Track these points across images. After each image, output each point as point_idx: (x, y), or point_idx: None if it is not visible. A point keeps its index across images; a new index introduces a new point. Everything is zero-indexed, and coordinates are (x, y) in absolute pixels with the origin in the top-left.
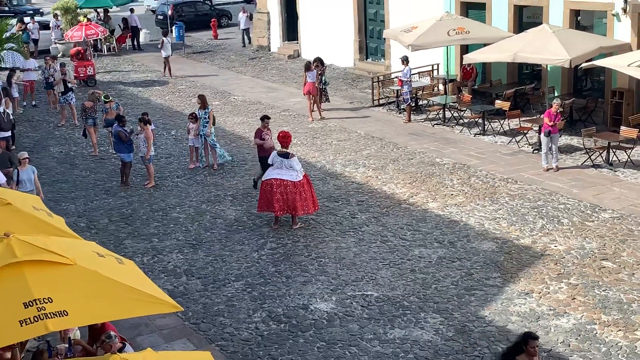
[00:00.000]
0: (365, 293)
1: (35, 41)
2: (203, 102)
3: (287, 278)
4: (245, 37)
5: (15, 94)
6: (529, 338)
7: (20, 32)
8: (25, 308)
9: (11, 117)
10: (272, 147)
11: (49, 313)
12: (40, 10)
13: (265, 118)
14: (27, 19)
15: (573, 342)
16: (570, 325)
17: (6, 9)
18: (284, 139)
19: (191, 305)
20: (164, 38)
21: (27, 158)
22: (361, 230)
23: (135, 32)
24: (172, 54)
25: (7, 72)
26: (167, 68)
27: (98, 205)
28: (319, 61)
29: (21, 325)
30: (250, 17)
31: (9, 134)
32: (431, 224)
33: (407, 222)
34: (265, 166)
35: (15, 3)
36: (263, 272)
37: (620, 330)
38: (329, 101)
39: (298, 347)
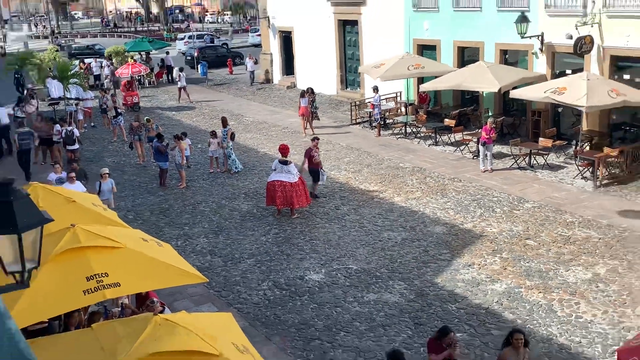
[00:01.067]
0: (347, 266)
1: (97, 76)
2: (223, 122)
3: (287, 256)
4: (251, 77)
5: (80, 117)
6: (514, 332)
7: (82, 70)
8: (87, 281)
9: (77, 134)
10: (319, 162)
11: (106, 284)
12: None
13: (315, 139)
14: (89, 59)
15: (505, 301)
16: (502, 289)
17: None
18: (284, 150)
19: (214, 277)
20: (180, 72)
21: (107, 173)
22: (343, 219)
23: (169, 69)
24: (186, 84)
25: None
26: (182, 94)
27: (142, 202)
28: (310, 90)
29: (84, 294)
30: (255, 62)
31: (75, 147)
32: (396, 213)
33: (378, 212)
34: (315, 177)
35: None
36: (269, 251)
37: (540, 292)
38: (319, 119)
39: (296, 308)
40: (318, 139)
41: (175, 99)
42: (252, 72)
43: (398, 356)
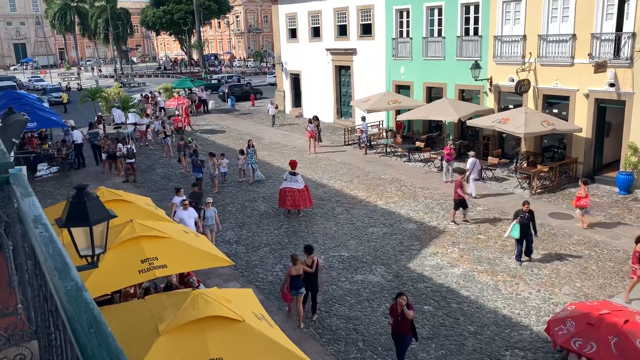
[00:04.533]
0: (340, 254)
1: (162, 109)
2: (250, 143)
3: (295, 245)
4: (273, 120)
5: (137, 137)
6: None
7: (141, 102)
8: (142, 263)
9: (134, 150)
10: (466, 193)
11: (156, 266)
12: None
13: (461, 174)
14: (154, 92)
15: (462, 282)
16: (459, 272)
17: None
18: (293, 164)
19: (238, 261)
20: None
21: (211, 202)
22: (338, 217)
23: (205, 102)
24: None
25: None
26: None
27: None
28: (315, 118)
29: (139, 273)
30: (276, 107)
31: (133, 160)
32: (379, 213)
33: (364, 213)
34: (464, 205)
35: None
36: (281, 242)
37: (488, 275)
38: (321, 141)
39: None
40: (462, 175)
41: (210, 124)
42: (273, 117)
43: (309, 248)
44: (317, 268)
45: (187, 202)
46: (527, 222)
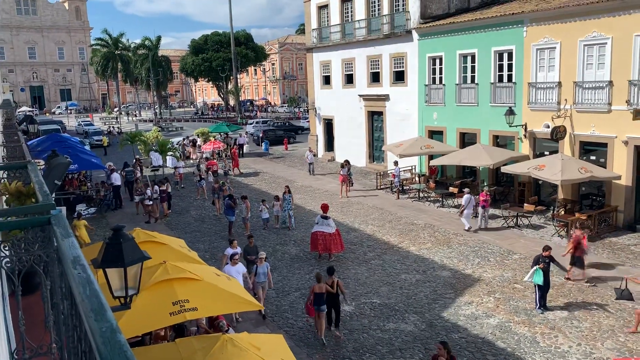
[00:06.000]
0: (372, 300)
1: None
2: (288, 189)
3: None
4: (311, 168)
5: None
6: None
7: (178, 147)
8: (173, 305)
9: (170, 192)
10: (584, 250)
11: (187, 308)
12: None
13: (580, 227)
14: (193, 138)
15: (498, 333)
16: (495, 323)
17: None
18: (325, 208)
19: (268, 306)
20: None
21: (264, 257)
22: (370, 263)
23: (241, 146)
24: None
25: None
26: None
27: (217, 245)
28: (347, 162)
29: (170, 315)
30: (315, 155)
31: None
32: (411, 259)
33: (397, 258)
34: (580, 264)
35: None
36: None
37: (525, 326)
38: (353, 185)
39: (331, 333)
40: (582, 228)
41: (244, 168)
42: (311, 164)
43: (330, 270)
44: (338, 288)
45: (237, 257)
46: (547, 267)
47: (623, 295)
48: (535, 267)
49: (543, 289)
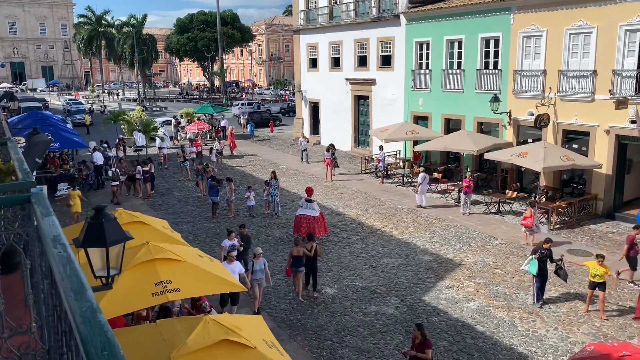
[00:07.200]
0: (354, 284)
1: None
2: (274, 175)
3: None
4: (306, 155)
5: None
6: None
7: (171, 127)
8: (155, 286)
9: (153, 172)
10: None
11: (169, 289)
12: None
13: (637, 227)
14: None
15: (477, 317)
16: (475, 307)
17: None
18: (309, 191)
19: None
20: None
21: (261, 253)
22: (353, 246)
23: (224, 128)
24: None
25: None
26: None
27: (200, 227)
28: (332, 146)
29: (153, 296)
30: (308, 141)
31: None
32: (394, 244)
33: (380, 242)
34: (633, 265)
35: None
36: None
37: (504, 310)
38: (338, 167)
39: (314, 315)
40: (637, 229)
41: (228, 150)
42: (304, 151)
43: (310, 236)
44: (315, 253)
45: (233, 255)
46: (544, 259)
47: (559, 273)
48: (530, 257)
49: (541, 281)
